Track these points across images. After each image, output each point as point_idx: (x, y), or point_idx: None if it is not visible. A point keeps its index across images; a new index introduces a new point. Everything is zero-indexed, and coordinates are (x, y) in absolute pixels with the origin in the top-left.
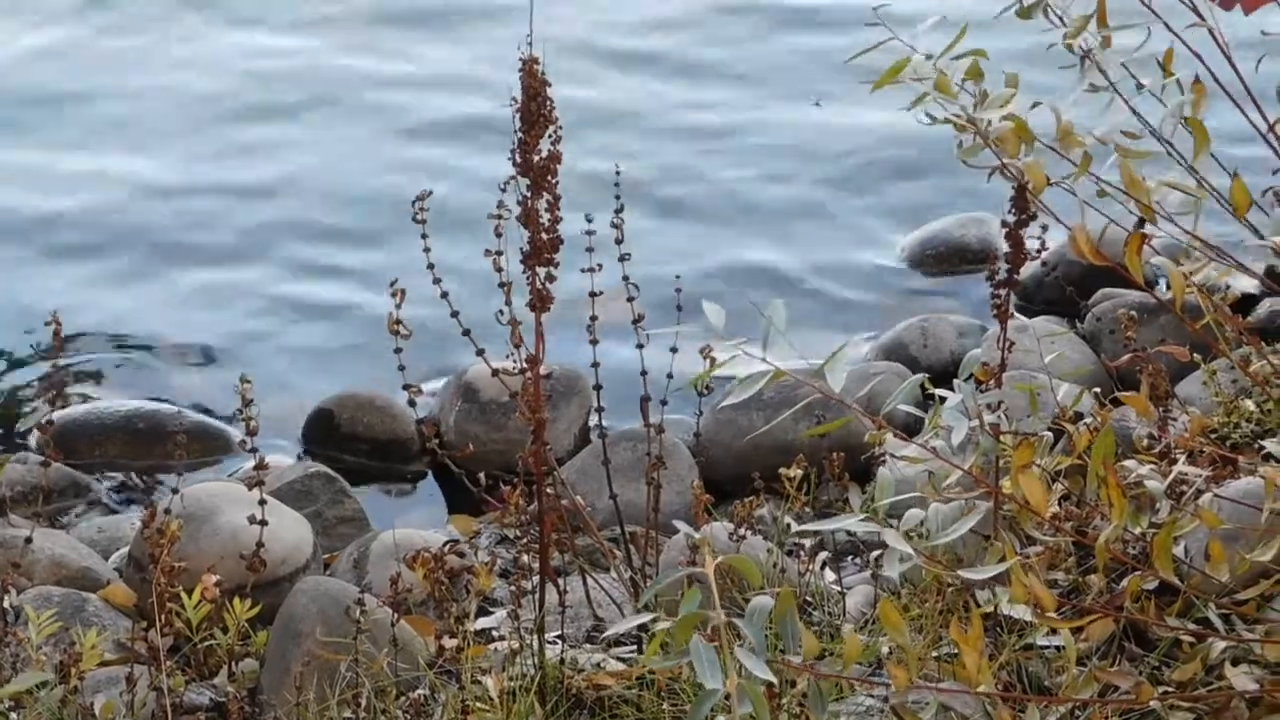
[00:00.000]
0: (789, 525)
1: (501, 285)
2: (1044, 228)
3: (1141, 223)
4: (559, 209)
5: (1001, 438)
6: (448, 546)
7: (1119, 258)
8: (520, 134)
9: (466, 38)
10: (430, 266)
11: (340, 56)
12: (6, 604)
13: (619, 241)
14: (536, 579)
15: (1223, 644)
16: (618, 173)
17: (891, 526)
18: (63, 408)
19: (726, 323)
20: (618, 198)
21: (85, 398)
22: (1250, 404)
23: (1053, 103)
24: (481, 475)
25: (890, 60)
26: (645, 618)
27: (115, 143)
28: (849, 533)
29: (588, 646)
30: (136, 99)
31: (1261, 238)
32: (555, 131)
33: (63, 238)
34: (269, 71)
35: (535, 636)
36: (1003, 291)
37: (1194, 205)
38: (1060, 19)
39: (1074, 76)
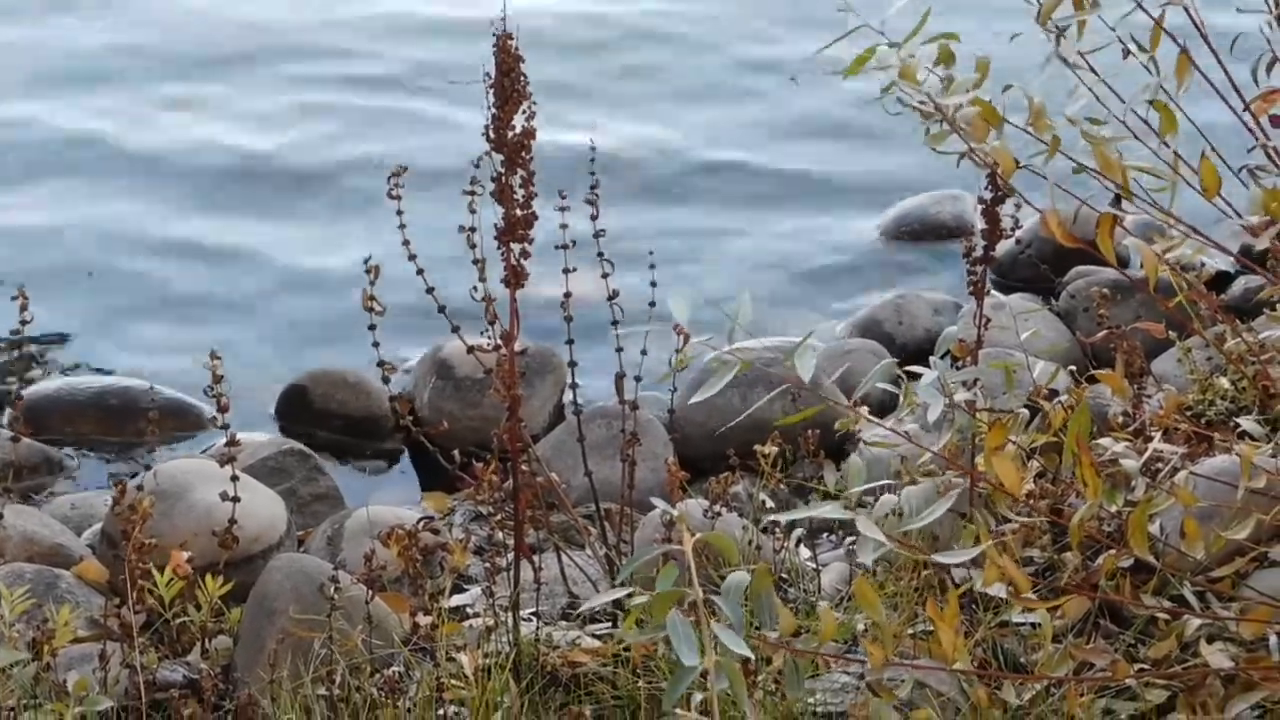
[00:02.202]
0: (764, 502)
1: (475, 262)
2: (1017, 205)
3: (1118, 200)
4: (533, 185)
5: (977, 415)
6: (422, 523)
7: (1092, 235)
8: (494, 110)
9: None
10: (405, 243)
11: None
12: None
13: (594, 218)
14: (511, 556)
15: (1198, 621)
16: (593, 148)
17: (865, 510)
18: (34, 383)
19: (698, 308)
20: (593, 173)
21: (59, 372)
22: (1225, 381)
23: (1024, 87)
24: (456, 452)
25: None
26: (621, 592)
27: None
28: None
29: (563, 624)
30: None
31: (1238, 217)
32: (529, 107)
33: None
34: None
35: (510, 613)
36: (979, 268)
37: (1169, 185)
38: None
39: (1049, 57)
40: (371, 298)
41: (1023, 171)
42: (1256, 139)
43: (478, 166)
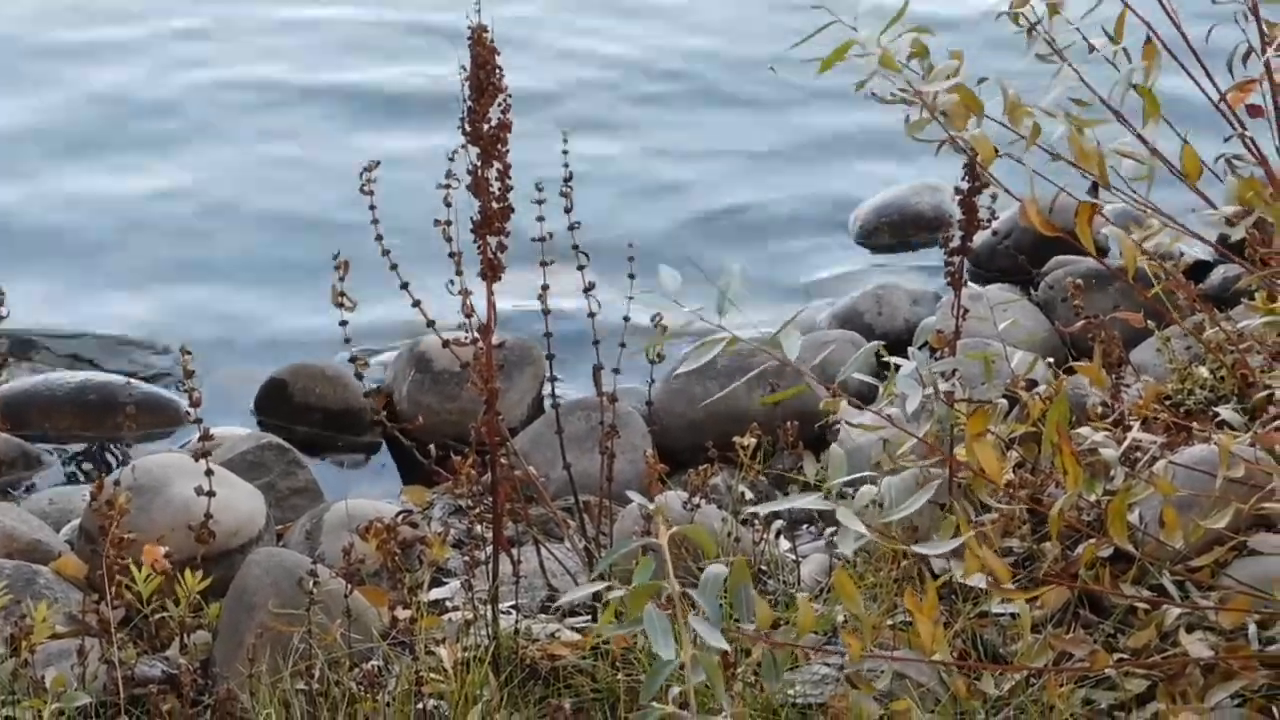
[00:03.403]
0: (743, 494)
1: (451, 255)
2: (994, 196)
3: (1095, 189)
4: (509, 177)
5: (956, 405)
6: (401, 517)
7: (1071, 225)
8: (470, 103)
9: None
10: (379, 238)
11: None
12: None
13: (568, 210)
14: (490, 549)
15: (1177, 611)
16: (565, 139)
17: (845, 500)
18: (11, 379)
19: (682, 288)
20: (566, 165)
21: (35, 368)
22: (1204, 371)
23: (999, 78)
24: (433, 446)
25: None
26: (599, 586)
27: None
28: None
29: (542, 617)
30: None
31: (1214, 207)
32: (505, 100)
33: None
34: None
35: (489, 607)
36: (956, 258)
37: (1147, 173)
38: None
39: (1021, 49)
40: (342, 294)
41: (999, 162)
42: (1234, 128)
43: (452, 160)
